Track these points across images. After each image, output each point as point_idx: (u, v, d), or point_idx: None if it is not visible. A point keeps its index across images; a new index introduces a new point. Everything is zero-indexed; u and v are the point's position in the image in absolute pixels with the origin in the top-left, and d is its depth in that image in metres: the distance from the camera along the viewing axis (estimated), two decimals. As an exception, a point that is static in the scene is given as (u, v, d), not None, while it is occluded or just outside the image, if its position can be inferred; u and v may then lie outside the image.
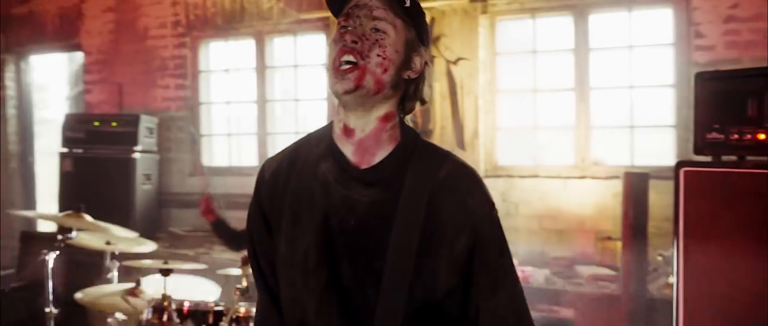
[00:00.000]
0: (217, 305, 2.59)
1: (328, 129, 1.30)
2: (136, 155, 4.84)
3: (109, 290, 2.87)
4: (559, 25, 4.45)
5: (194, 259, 4.30)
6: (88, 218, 2.97)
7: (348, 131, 1.24)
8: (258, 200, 1.32)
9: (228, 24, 5.15)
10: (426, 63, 1.27)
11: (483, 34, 4.40)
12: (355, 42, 1.17)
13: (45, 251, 2.83)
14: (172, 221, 5.31)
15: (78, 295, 2.77)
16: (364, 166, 1.23)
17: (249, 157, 5.30)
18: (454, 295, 1.22)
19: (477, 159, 4.37)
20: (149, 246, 3.31)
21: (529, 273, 3.63)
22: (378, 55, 1.18)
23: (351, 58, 1.17)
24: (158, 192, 5.20)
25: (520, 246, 4.28)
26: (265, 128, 5.15)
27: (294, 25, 4.95)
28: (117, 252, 3.32)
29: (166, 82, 5.42)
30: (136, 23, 5.50)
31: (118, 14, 5.58)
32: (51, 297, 2.76)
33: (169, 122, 5.36)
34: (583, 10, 4.22)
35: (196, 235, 4.67)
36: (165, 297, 2.51)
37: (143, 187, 4.93)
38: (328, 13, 4.60)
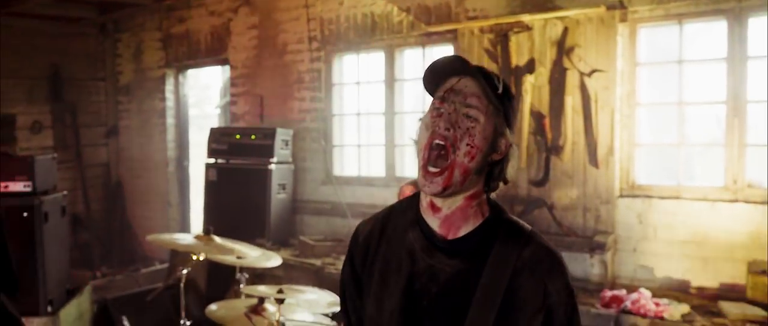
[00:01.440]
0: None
1: (417, 198, 1.36)
2: (272, 166, 5.12)
3: (237, 304, 3.05)
4: (711, 32, 4.03)
5: (316, 273, 4.47)
6: (217, 240, 3.17)
7: (435, 208, 1.28)
8: (351, 260, 1.41)
9: (360, 38, 5.27)
10: (510, 145, 1.29)
11: (621, 44, 4.10)
12: (448, 129, 1.22)
13: (180, 267, 3.07)
14: (304, 227, 5.55)
15: (211, 309, 2.97)
16: (449, 237, 1.28)
17: (377, 168, 5.39)
18: None
19: (612, 177, 4.09)
20: (275, 260, 3.47)
21: (664, 307, 3.32)
22: (467, 144, 1.21)
23: (441, 142, 1.22)
24: (292, 200, 5.46)
25: (657, 273, 3.95)
26: (393, 139, 5.21)
27: (423, 37, 4.95)
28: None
29: (302, 95, 5.66)
30: (277, 39, 5.80)
31: (261, 31, 5.93)
32: (183, 310, 2.99)
33: (304, 133, 5.60)
34: (740, 14, 3.79)
35: (325, 244, 4.83)
36: (279, 322, 2.61)
37: (278, 196, 5.20)
38: (457, 25, 4.53)
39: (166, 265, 6.46)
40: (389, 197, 5.16)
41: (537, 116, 4.35)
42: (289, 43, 5.73)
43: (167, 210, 6.93)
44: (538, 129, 4.36)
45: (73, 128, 7.02)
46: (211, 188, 5.38)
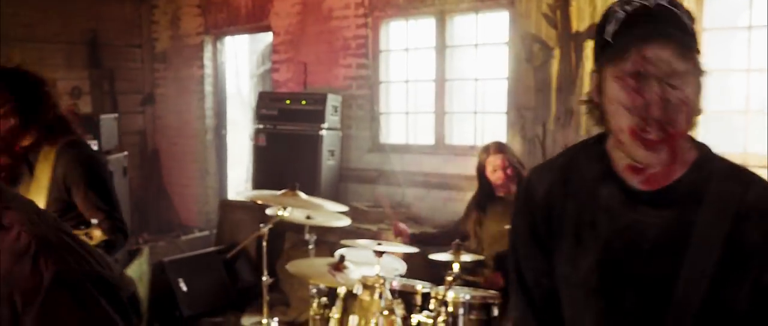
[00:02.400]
0: (423, 287, 2.66)
1: (598, 147, 1.26)
2: (323, 132, 5.10)
3: (316, 263, 3.05)
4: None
5: (377, 235, 4.46)
6: (303, 196, 3.16)
7: (637, 170, 1.19)
8: (528, 219, 1.33)
9: (409, 3, 5.20)
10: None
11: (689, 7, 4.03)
12: (661, 111, 1.09)
13: (262, 225, 3.06)
14: (350, 195, 5.53)
15: (291, 265, 2.97)
16: (654, 188, 1.19)
17: (425, 136, 5.36)
18: None
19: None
20: (344, 221, 3.46)
21: None
22: (683, 118, 1.11)
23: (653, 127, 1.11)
24: (339, 167, 5.44)
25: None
26: (443, 107, 5.16)
27: (476, 3, 4.88)
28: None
29: (348, 62, 5.61)
30: (322, 5, 5.73)
31: (305, -4, 5.86)
32: (265, 267, 2.99)
33: (350, 100, 5.56)
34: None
35: (377, 210, 4.82)
36: (379, 276, 2.61)
37: (328, 163, 5.19)
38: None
39: (206, 233, 6.48)
40: (438, 164, 5.14)
41: (598, 82, 4.30)
42: (334, 9, 5.66)
43: (205, 178, 6.93)
44: (599, 95, 4.31)
45: (110, 94, 7.00)
46: (260, 153, 5.36)
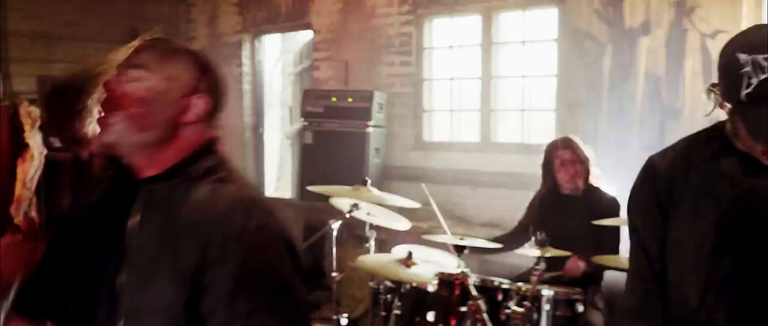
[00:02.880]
0: (502, 283, 2.64)
1: (717, 132, 1.41)
2: (370, 129, 5.10)
3: (382, 259, 3.05)
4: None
5: (428, 232, 4.45)
6: (374, 191, 3.16)
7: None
8: (651, 190, 1.46)
9: (455, 0, 5.19)
10: None
11: (746, 4, 3.98)
12: None
13: (331, 220, 3.06)
14: (393, 193, 5.52)
15: (360, 260, 2.97)
16: None
17: (469, 133, 5.35)
18: None
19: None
20: (404, 224, 3.45)
21: None
22: None
23: None
24: (384, 165, 5.44)
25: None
26: (489, 105, 5.14)
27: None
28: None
29: (391, 59, 5.61)
30: (364, 2, 5.73)
31: (347, -6, 5.86)
32: (334, 262, 2.99)
33: (393, 98, 5.55)
34: None
35: (427, 209, 4.80)
36: (463, 272, 2.59)
37: (374, 160, 5.19)
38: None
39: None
40: (484, 162, 5.12)
41: (653, 80, 4.26)
42: (377, 7, 5.65)
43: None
44: (654, 92, 4.27)
45: (149, 93, 7.04)
46: (306, 151, 5.37)
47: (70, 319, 1.27)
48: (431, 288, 2.71)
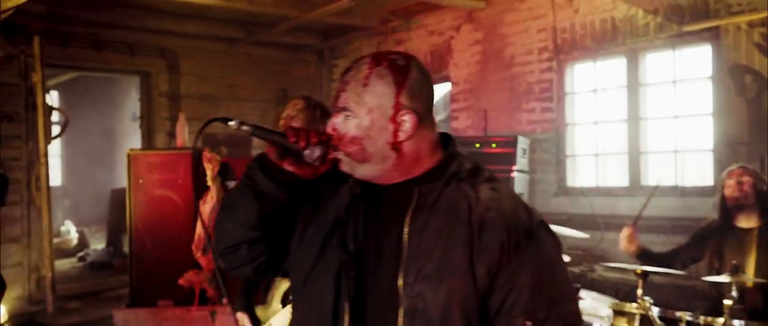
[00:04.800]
0: (685, 315, 2.53)
1: None
2: (515, 174, 5.12)
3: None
4: None
5: (578, 279, 4.35)
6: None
7: None
8: None
9: (597, 44, 5.18)
10: None
11: None
12: None
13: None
14: (537, 239, 5.46)
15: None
16: None
17: (616, 177, 5.21)
18: None
19: None
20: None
21: None
22: None
23: None
24: (527, 210, 5.40)
25: None
26: (638, 147, 5.01)
27: (673, 38, 4.75)
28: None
29: (531, 106, 5.65)
30: (503, 52, 5.87)
31: (485, 46, 6.03)
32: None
33: (534, 144, 5.55)
34: None
35: (576, 253, 4.71)
36: (644, 300, 2.53)
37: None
38: (719, 21, 4.29)
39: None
40: (633, 206, 4.93)
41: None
42: (516, 56, 5.76)
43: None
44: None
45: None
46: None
47: (335, 319, 1.27)
48: (605, 320, 2.64)
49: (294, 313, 1.40)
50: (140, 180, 4.45)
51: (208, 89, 6.96)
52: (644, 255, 3.57)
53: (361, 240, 1.29)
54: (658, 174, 5.03)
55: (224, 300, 4.19)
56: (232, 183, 4.26)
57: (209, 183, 4.06)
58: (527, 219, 1.25)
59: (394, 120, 1.28)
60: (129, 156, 4.51)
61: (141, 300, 4.43)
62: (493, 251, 1.19)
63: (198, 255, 4.15)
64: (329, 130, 1.31)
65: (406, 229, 1.23)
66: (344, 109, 1.29)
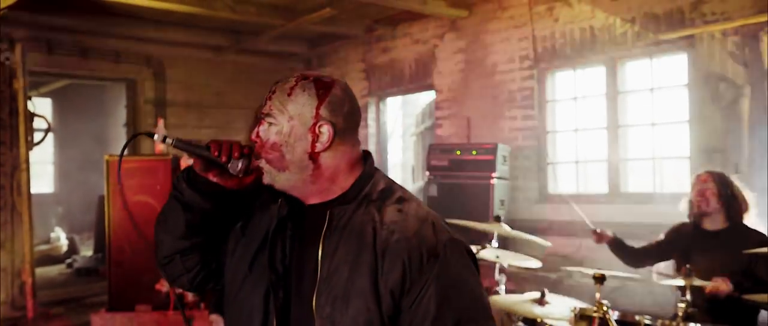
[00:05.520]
0: (644, 318, 2.56)
1: None
2: (494, 181, 5.15)
3: (512, 298, 3.05)
4: None
5: (554, 284, 4.37)
6: (506, 227, 3.22)
7: None
8: None
9: (577, 53, 5.22)
10: None
11: None
12: None
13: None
14: (518, 246, 5.47)
15: (494, 299, 3.00)
16: None
17: (596, 184, 5.24)
18: None
19: None
20: (533, 262, 3.44)
21: None
22: None
23: None
24: (508, 218, 5.42)
25: None
26: (617, 154, 5.04)
27: (650, 47, 4.80)
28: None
29: (513, 113, 5.68)
30: (485, 60, 5.91)
31: (468, 54, 6.08)
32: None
33: (516, 151, 5.59)
34: None
35: (555, 258, 4.73)
36: (600, 304, 2.55)
37: (498, 212, 5.17)
38: (693, 30, 4.34)
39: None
40: (613, 213, 4.97)
41: (798, 119, 4.02)
42: (499, 64, 5.81)
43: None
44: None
45: (283, 156, 7.57)
46: (431, 203, 5.50)
47: None
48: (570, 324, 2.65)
49: (226, 322, 1.45)
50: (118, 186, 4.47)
51: (194, 97, 7.01)
52: (616, 245, 3.70)
53: (287, 262, 1.34)
54: (636, 181, 5.07)
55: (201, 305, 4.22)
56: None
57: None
58: (433, 239, 1.25)
59: (312, 130, 1.31)
60: (107, 161, 4.54)
61: (120, 304, 4.44)
62: (396, 274, 1.22)
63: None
64: (253, 136, 1.35)
65: (319, 252, 1.28)
66: (268, 116, 1.34)
